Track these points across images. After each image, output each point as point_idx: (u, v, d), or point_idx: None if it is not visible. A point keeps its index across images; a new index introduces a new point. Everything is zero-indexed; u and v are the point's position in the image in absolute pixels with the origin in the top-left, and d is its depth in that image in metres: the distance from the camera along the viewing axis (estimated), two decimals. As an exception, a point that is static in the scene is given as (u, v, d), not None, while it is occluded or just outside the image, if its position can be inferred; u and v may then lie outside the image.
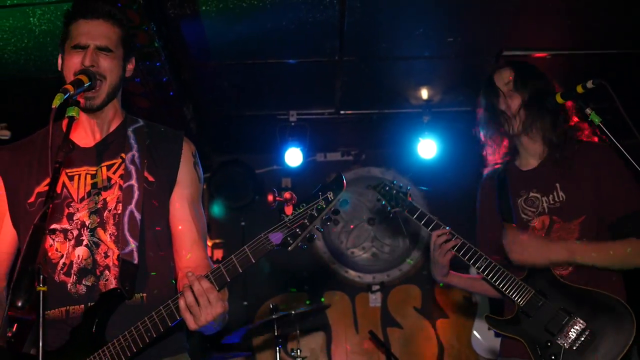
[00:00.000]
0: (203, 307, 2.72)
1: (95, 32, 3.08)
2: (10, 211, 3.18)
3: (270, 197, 2.90)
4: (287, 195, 2.84)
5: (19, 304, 2.25)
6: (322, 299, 8.48)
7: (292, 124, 7.40)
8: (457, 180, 7.73)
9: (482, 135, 3.99)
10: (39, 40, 5.29)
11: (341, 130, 8.03)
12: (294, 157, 7.53)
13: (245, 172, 8.39)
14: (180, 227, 3.16)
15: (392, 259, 8.61)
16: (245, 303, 8.14)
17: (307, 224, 2.73)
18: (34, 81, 5.89)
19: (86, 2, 3.14)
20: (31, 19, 5.03)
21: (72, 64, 3.07)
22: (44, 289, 2.42)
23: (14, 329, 3.70)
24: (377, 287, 8.54)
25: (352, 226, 8.68)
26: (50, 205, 2.52)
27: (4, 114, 6.51)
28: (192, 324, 2.76)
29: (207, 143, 7.73)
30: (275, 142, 7.58)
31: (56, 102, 2.74)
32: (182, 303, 2.76)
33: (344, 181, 2.77)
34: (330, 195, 2.74)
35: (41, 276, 2.39)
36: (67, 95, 2.80)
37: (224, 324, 2.93)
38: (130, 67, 3.26)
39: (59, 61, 3.19)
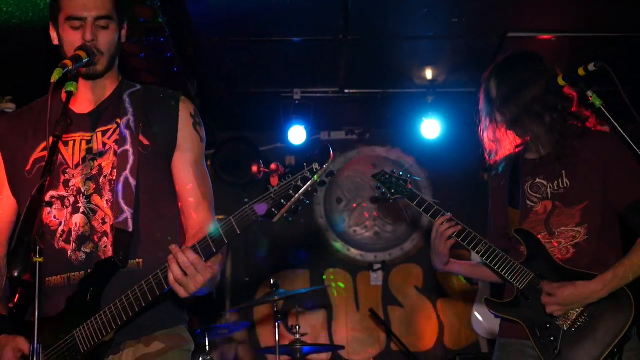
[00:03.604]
0: (191, 277, 2.72)
1: (92, 3, 3.03)
2: (8, 180, 3.19)
3: (254, 168, 2.88)
4: (272, 166, 2.81)
5: (15, 274, 2.27)
6: (324, 277, 8.53)
7: (296, 102, 7.40)
8: (460, 160, 7.72)
9: (488, 135, 3.97)
10: (44, 13, 5.27)
11: (345, 109, 8.02)
12: (297, 135, 7.53)
13: (249, 150, 8.41)
14: (184, 190, 3.14)
15: (394, 238, 8.63)
16: (247, 279, 8.18)
17: (292, 194, 2.67)
18: (39, 54, 5.88)
19: None
20: (35, -9, 5.05)
21: (72, 39, 3.04)
22: (41, 259, 2.41)
23: (16, 300, 3.72)
24: (379, 265, 8.57)
25: (354, 205, 8.70)
26: (48, 178, 2.54)
27: (9, 87, 6.52)
28: (182, 293, 2.75)
29: (211, 120, 7.69)
30: (279, 120, 7.60)
31: (55, 77, 2.74)
32: (170, 276, 2.75)
33: (331, 152, 2.70)
34: (315, 166, 2.67)
35: (38, 247, 2.39)
36: (66, 70, 2.81)
37: (215, 285, 2.95)
38: (124, 33, 3.22)
39: (52, 34, 3.16)
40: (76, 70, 2.91)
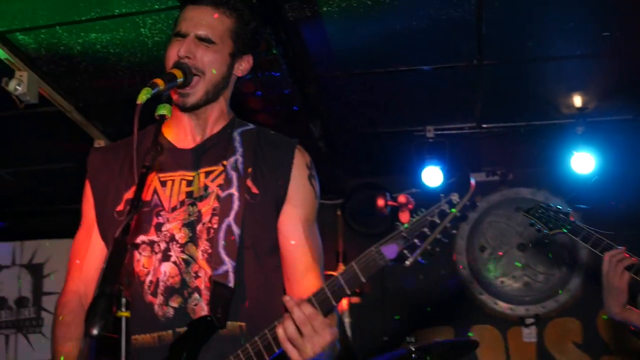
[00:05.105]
0: (307, 337, 2.28)
1: (198, 19, 2.71)
2: (98, 221, 2.82)
3: (380, 202, 2.47)
4: (401, 198, 2.43)
5: (94, 332, 1.83)
6: (470, 334, 7.84)
7: (430, 140, 6.79)
8: (618, 198, 6.99)
9: None
10: (153, 53, 4.99)
11: (484, 147, 7.35)
12: (433, 177, 6.90)
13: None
14: (291, 250, 2.74)
15: (547, 289, 7.85)
16: (386, 338, 7.60)
17: (428, 233, 2.29)
18: (153, 101, 5.61)
19: None
20: (142, 29, 4.73)
21: (170, 54, 2.72)
22: (127, 314, 2.05)
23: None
24: (531, 320, 7.80)
25: (500, 253, 8.01)
26: (135, 216, 2.10)
27: (121, 134, 6.29)
28: (295, 357, 2.30)
29: (338, 164, 7.25)
30: (411, 162, 6.97)
31: (142, 98, 2.40)
32: (281, 333, 2.31)
33: (472, 181, 2.32)
34: (454, 197, 2.31)
35: (123, 299, 2.02)
36: (155, 91, 2.43)
37: (336, 354, 2.44)
38: (244, 65, 2.86)
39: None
40: (168, 92, 2.51)
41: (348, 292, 2.36)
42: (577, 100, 6.37)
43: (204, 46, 2.69)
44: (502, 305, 7.90)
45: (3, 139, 6.42)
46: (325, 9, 4.72)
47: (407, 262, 2.33)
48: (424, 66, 5.70)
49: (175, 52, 2.69)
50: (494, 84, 6.03)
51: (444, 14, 4.87)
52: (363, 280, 2.34)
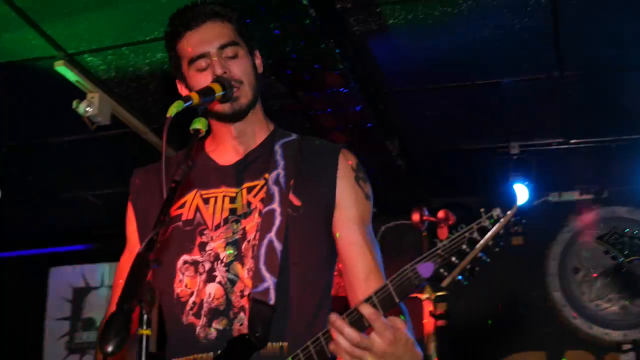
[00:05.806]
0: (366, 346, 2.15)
1: (207, 35, 2.63)
2: (141, 241, 2.74)
3: (416, 216, 2.29)
4: (440, 214, 2.24)
5: (108, 350, 1.74)
6: (564, 359, 7.44)
7: (515, 157, 6.49)
8: None
9: None
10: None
11: (575, 163, 7.01)
12: (520, 196, 6.60)
13: (468, 216, 7.60)
14: (350, 254, 2.61)
15: (646, 312, 7.40)
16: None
17: (467, 250, 2.10)
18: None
19: (184, 13, 2.69)
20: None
21: (202, 83, 2.58)
22: (147, 332, 1.91)
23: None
24: (629, 346, 7.28)
25: (595, 274, 7.59)
26: (160, 231, 2.01)
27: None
28: None
29: (419, 183, 7.04)
30: (495, 180, 6.68)
31: (172, 111, 2.27)
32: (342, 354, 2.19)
33: (517, 195, 2.09)
34: (496, 212, 2.12)
35: (145, 316, 1.89)
36: (187, 104, 2.31)
37: None
38: (258, 61, 2.78)
39: (183, 92, 2.75)
40: (205, 107, 2.42)
41: (382, 313, 2.19)
42: (670, 111, 6.01)
43: (230, 58, 2.61)
44: (598, 330, 7.47)
45: (84, 161, 6.54)
46: (391, 21, 4.61)
47: (444, 282, 2.16)
48: (502, 79, 5.48)
49: (208, 77, 2.58)
50: (578, 96, 5.76)
51: (517, 23, 4.67)
52: (397, 301, 2.18)
